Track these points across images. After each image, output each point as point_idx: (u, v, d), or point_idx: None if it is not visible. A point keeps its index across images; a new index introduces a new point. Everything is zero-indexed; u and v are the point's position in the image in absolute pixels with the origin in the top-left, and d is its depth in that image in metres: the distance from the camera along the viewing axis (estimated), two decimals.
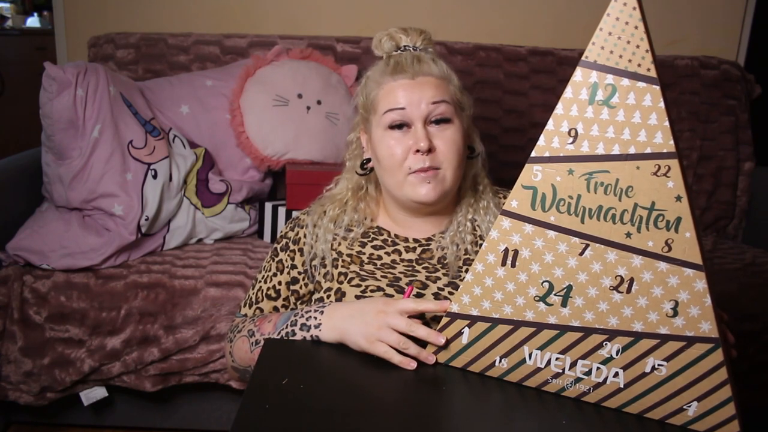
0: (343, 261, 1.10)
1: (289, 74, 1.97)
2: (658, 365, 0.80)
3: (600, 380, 0.83)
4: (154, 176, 1.71)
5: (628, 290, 0.79)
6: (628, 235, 0.78)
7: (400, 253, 1.11)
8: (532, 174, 0.81)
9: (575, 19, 2.37)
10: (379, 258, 1.10)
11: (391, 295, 1.03)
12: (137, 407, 1.71)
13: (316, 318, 0.97)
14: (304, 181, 1.80)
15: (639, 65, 0.75)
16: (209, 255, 1.75)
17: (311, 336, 0.97)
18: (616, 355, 0.81)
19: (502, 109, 2.17)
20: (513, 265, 0.84)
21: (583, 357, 0.83)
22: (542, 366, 0.86)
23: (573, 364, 0.84)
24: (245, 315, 1.15)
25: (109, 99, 1.69)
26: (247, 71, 1.96)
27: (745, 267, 1.87)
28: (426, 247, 1.12)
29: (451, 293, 1.05)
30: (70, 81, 1.63)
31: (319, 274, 1.11)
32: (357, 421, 0.78)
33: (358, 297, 1.04)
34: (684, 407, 0.80)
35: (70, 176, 1.65)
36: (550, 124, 0.79)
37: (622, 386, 0.82)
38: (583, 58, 0.77)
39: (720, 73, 2.25)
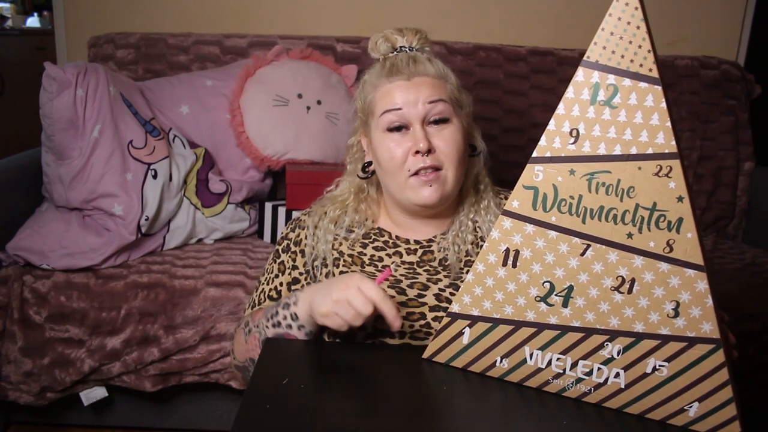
0: (344, 261, 1.10)
1: (289, 74, 1.97)
2: (659, 366, 0.80)
3: (601, 381, 0.83)
4: (154, 176, 1.71)
5: (630, 291, 0.79)
6: (630, 235, 0.78)
7: (401, 255, 1.11)
8: (533, 174, 0.81)
9: (575, 19, 2.37)
10: (380, 260, 1.10)
11: (392, 296, 1.03)
12: (137, 407, 1.71)
13: (296, 296, 0.98)
14: (304, 181, 1.80)
15: (641, 65, 0.75)
16: (209, 255, 1.75)
17: (291, 314, 0.97)
18: (617, 355, 0.81)
19: (502, 109, 2.17)
20: (514, 265, 0.84)
21: (584, 357, 0.83)
22: (543, 366, 0.86)
23: (574, 365, 0.84)
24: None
25: (109, 99, 1.69)
26: (247, 71, 1.96)
27: (745, 267, 1.87)
28: (427, 249, 1.12)
29: (452, 294, 1.04)
30: (70, 81, 1.63)
31: (321, 274, 1.11)
32: (357, 421, 0.78)
33: None
34: (685, 408, 0.80)
35: (70, 176, 1.65)
36: (551, 124, 0.79)
37: (623, 387, 0.82)
38: (584, 58, 0.77)
39: (720, 73, 2.25)
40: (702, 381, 0.78)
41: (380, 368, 0.90)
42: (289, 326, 0.97)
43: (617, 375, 0.82)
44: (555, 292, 0.83)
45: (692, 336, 0.77)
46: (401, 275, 1.08)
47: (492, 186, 1.18)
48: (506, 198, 1.13)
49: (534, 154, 0.81)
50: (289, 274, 1.13)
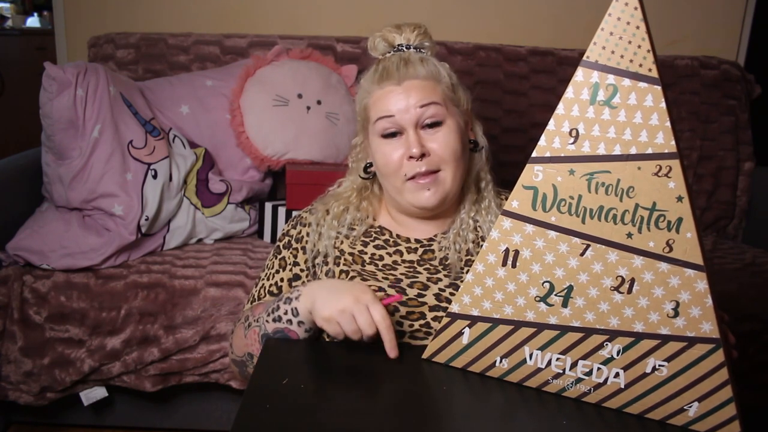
0: (345, 260, 1.10)
1: (289, 74, 1.97)
2: (659, 366, 0.80)
3: (601, 381, 0.83)
4: (154, 176, 1.71)
5: (629, 291, 0.79)
6: (629, 235, 0.78)
7: (401, 254, 1.11)
8: (533, 174, 0.81)
9: (575, 19, 2.37)
10: (381, 258, 1.10)
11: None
12: (137, 407, 1.71)
13: (298, 290, 0.97)
14: (304, 181, 1.80)
15: (640, 65, 0.75)
16: (209, 255, 1.75)
17: (292, 309, 0.96)
18: (617, 355, 0.81)
19: (502, 109, 2.17)
20: (514, 265, 0.84)
21: (584, 357, 0.83)
22: (543, 366, 0.86)
23: (574, 365, 0.84)
24: None
25: (109, 99, 1.69)
26: (247, 71, 1.96)
27: (745, 267, 1.87)
28: (428, 248, 1.12)
29: (452, 294, 1.04)
30: (70, 81, 1.63)
31: (321, 271, 1.11)
32: (357, 420, 0.78)
33: None
34: (685, 408, 0.80)
35: (70, 176, 1.65)
36: (551, 124, 0.79)
37: (622, 387, 0.82)
38: (584, 58, 0.77)
39: (720, 73, 2.25)
40: (702, 381, 0.78)
41: (380, 368, 0.90)
42: (290, 321, 0.97)
43: (617, 375, 0.82)
44: (555, 292, 0.83)
45: (692, 336, 0.77)
46: (401, 274, 1.08)
47: (493, 184, 1.18)
48: (506, 199, 1.13)
49: (533, 154, 0.81)
50: (290, 270, 1.13)
